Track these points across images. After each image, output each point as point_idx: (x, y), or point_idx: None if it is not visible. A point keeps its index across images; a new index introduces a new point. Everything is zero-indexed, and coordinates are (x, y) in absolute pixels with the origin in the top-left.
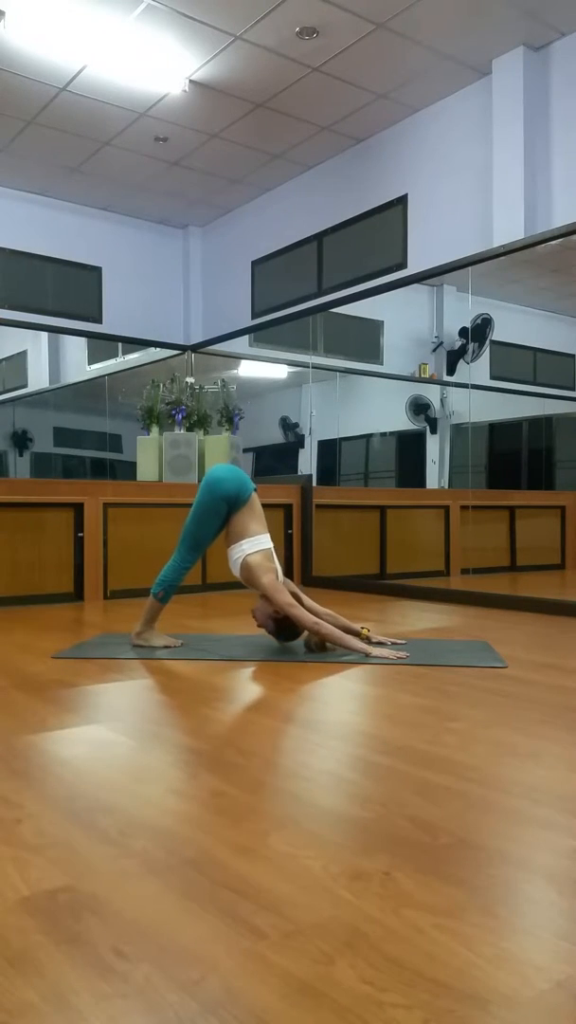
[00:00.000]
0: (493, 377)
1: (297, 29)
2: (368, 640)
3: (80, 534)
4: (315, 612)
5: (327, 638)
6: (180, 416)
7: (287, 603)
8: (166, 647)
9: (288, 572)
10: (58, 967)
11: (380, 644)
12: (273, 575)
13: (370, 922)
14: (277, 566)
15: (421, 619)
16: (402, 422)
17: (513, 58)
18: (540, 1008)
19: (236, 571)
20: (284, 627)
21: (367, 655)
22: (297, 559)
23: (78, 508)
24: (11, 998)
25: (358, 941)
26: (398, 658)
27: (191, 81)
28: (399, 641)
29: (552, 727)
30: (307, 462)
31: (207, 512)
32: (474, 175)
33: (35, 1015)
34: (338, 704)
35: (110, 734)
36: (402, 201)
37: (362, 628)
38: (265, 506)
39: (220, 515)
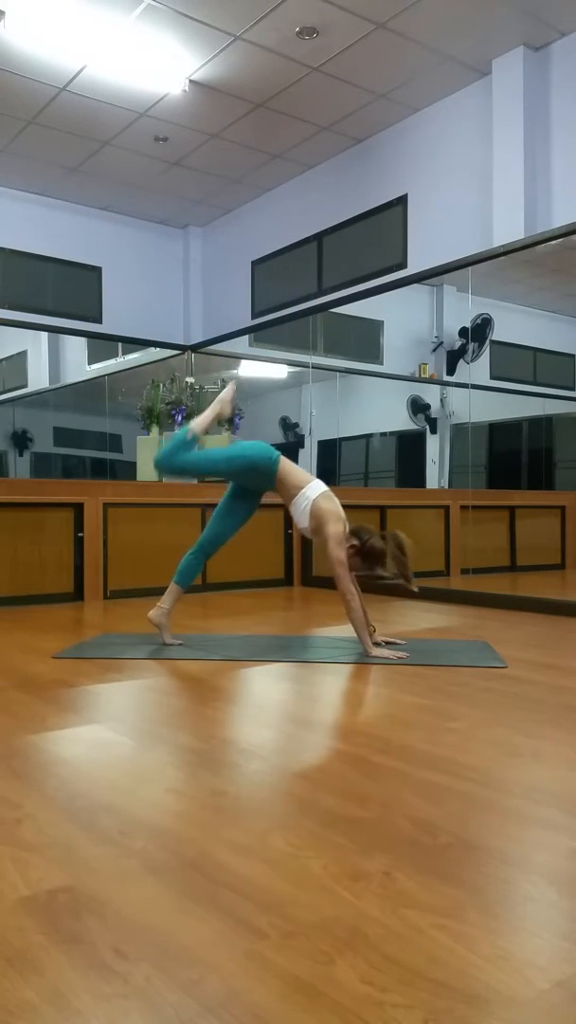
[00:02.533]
0: (493, 377)
1: (297, 29)
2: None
3: (80, 534)
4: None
5: (350, 615)
6: (180, 416)
7: (340, 560)
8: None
9: (288, 572)
10: (58, 967)
11: (389, 644)
12: (342, 525)
13: (370, 922)
14: (341, 512)
15: (421, 619)
16: (402, 422)
17: (513, 58)
18: (540, 1008)
19: (304, 522)
20: (366, 556)
21: (367, 654)
22: (297, 559)
23: (78, 508)
24: (11, 998)
25: (358, 941)
26: (398, 658)
27: (191, 81)
28: (399, 641)
29: (552, 727)
30: (307, 462)
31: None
32: (474, 175)
33: (35, 1015)
34: (338, 704)
35: (110, 734)
36: (402, 201)
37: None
38: (265, 506)
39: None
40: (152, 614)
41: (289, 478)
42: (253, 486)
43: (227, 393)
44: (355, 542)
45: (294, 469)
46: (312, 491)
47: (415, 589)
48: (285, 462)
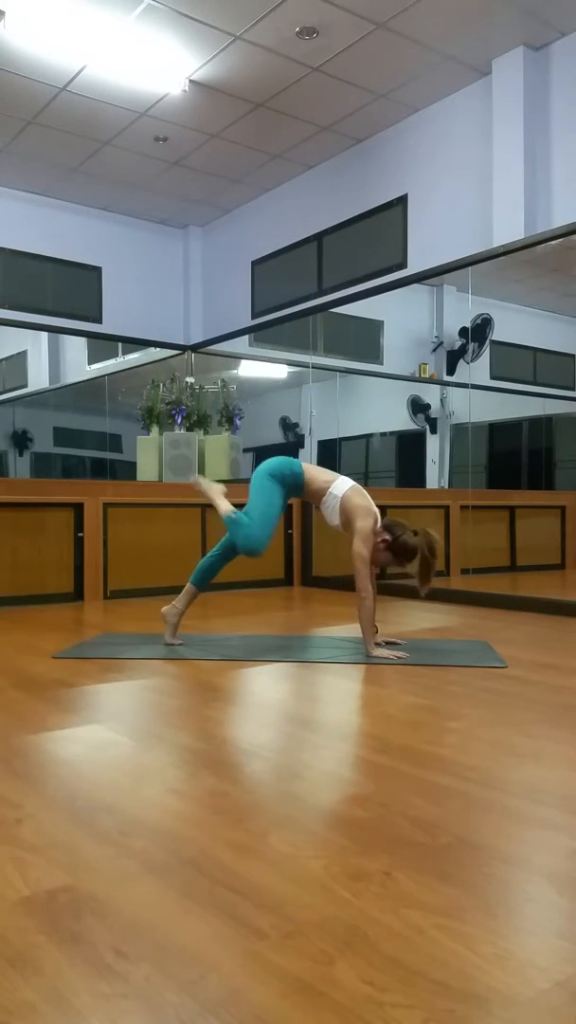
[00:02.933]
0: (493, 377)
1: (297, 29)
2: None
3: (80, 534)
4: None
5: (360, 612)
6: (180, 416)
7: (362, 557)
8: None
9: (288, 572)
10: (58, 967)
11: (390, 644)
12: (372, 520)
13: (370, 922)
14: (372, 506)
15: (421, 619)
16: (402, 422)
17: (513, 58)
18: (540, 1008)
19: (335, 519)
20: (397, 552)
21: (368, 654)
22: (297, 559)
23: (78, 508)
24: (11, 998)
25: (358, 941)
26: (398, 658)
27: (191, 81)
28: (399, 641)
29: (552, 727)
30: (307, 462)
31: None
32: (474, 175)
33: (35, 1015)
34: (338, 704)
35: (110, 734)
36: (402, 201)
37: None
38: None
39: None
40: (165, 610)
41: (315, 481)
42: (291, 496)
43: (203, 486)
44: (387, 536)
45: (318, 471)
46: (339, 488)
47: (423, 594)
48: (308, 466)
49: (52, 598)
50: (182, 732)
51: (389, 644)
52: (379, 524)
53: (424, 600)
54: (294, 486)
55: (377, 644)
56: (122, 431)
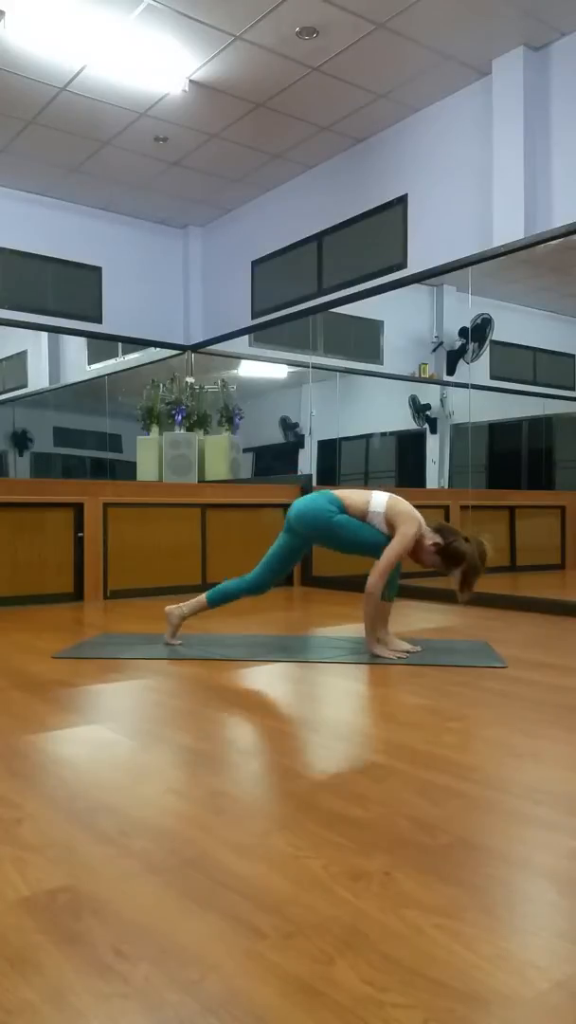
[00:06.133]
0: (493, 377)
1: (297, 29)
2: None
3: (80, 534)
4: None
5: (365, 609)
6: (180, 416)
7: (390, 559)
8: (404, 653)
9: (288, 573)
10: (58, 967)
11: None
12: (416, 526)
13: (370, 922)
14: (415, 511)
15: (421, 619)
16: (402, 422)
17: (513, 58)
18: (540, 1008)
19: (385, 530)
20: (448, 558)
21: (369, 651)
22: None
23: (78, 508)
24: (11, 998)
25: (358, 941)
26: (398, 657)
27: (191, 81)
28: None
29: (552, 727)
30: (307, 462)
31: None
32: (474, 175)
33: (35, 1015)
34: (338, 704)
35: (110, 734)
36: (402, 201)
37: None
38: (265, 506)
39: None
40: (170, 609)
41: (356, 506)
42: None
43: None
44: (439, 540)
45: (353, 495)
46: (378, 504)
47: (462, 601)
48: (343, 494)
49: (52, 598)
50: (182, 732)
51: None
52: (424, 527)
53: (424, 600)
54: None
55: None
56: (122, 431)
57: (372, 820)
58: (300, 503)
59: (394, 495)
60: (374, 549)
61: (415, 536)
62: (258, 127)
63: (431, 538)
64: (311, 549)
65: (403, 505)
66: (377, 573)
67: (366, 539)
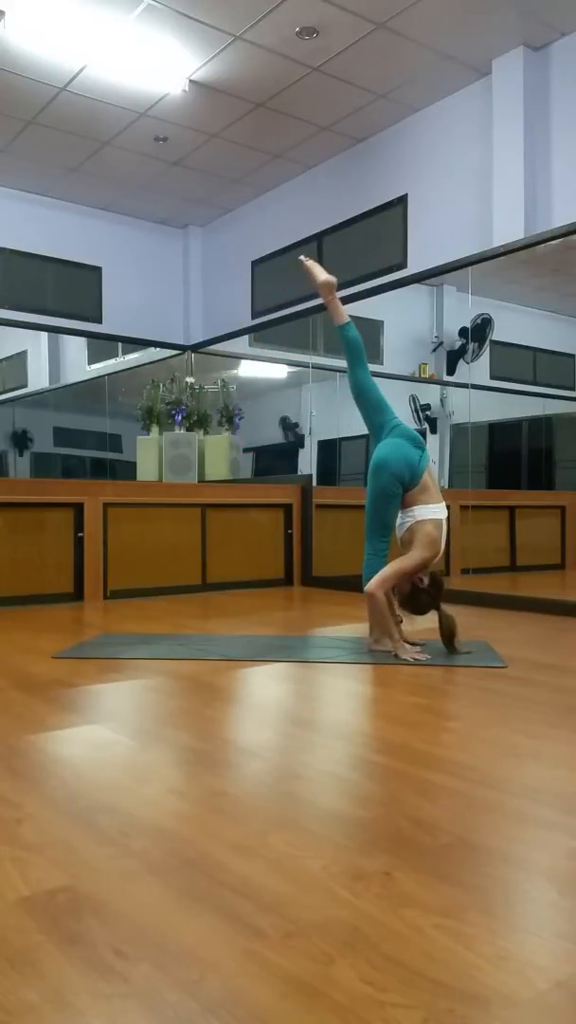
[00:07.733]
0: (493, 377)
1: (297, 29)
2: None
3: (80, 534)
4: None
5: (373, 610)
6: (180, 416)
7: (398, 572)
8: (415, 656)
9: (288, 572)
10: (58, 967)
11: (414, 644)
12: (430, 555)
13: (370, 922)
14: (442, 540)
15: (421, 619)
16: (403, 421)
17: (513, 58)
18: (540, 1008)
19: (400, 533)
20: (412, 599)
21: (369, 648)
22: (297, 559)
23: (78, 508)
24: (11, 998)
25: (358, 941)
26: (397, 656)
27: (191, 81)
28: (421, 643)
29: (552, 727)
30: (307, 462)
31: (382, 497)
32: (474, 175)
33: (35, 1015)
34: (338, 704)
35: (110, 734)
36: (402, 201)
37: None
38: (265, 506)
39: (397, 495)
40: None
41: (417, 491)
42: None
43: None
44: (425, 583)
45: (430, 482)
46: (425, 512)
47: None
48: (427, 474)
49: (52, 598)
50: (182, 732)
51: (413, 644)
52: (430, 560)
53: None
54: (410, 481)
55: (407, 642)
56: (122, 431)
57: (372, 820)
58: (385, 450)
59: (441, 520)
60: (375, 523)
61: (426, 563)
62: (258, 127)
63: (424, 575)
64: (307, 540)
65: (437, 532)
66: (379, 580)
67: (380, 515)
